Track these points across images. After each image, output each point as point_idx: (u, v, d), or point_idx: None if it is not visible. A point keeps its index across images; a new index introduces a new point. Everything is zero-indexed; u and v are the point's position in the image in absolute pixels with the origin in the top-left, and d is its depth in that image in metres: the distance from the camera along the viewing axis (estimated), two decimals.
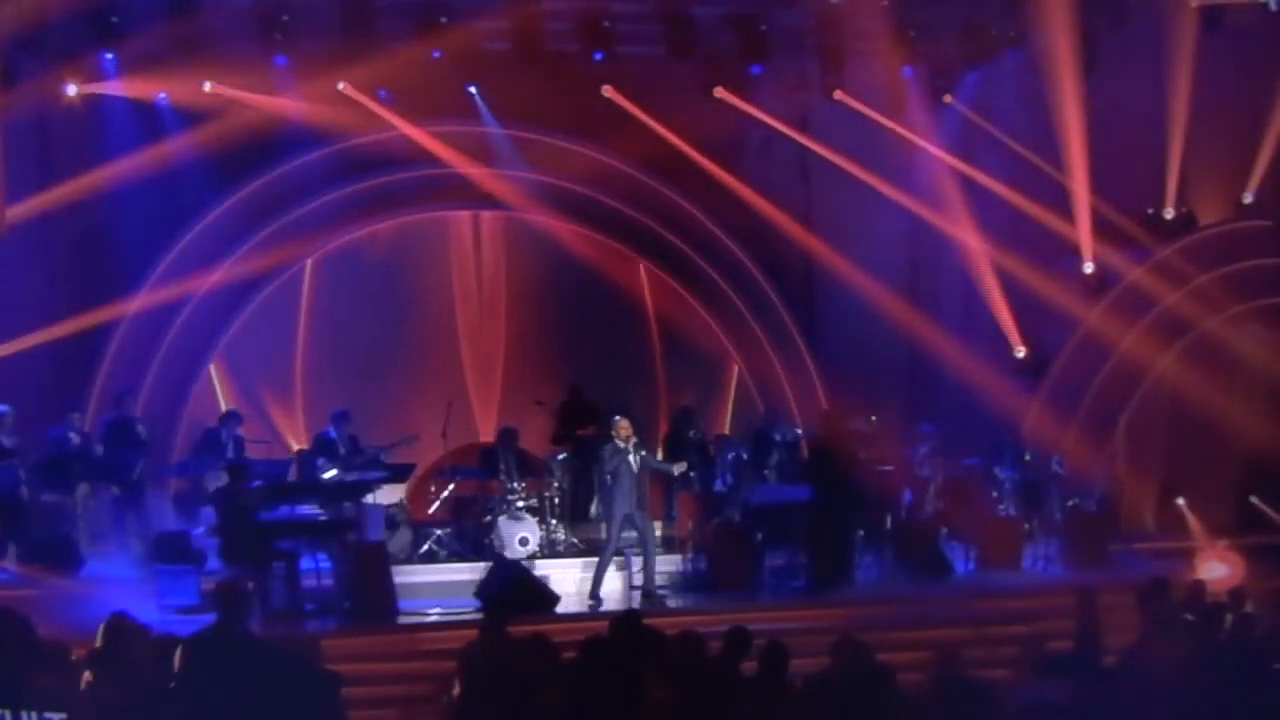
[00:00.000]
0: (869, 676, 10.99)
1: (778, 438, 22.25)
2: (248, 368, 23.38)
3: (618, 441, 18.74)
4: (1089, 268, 24.03)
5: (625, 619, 12.32)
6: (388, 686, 15.71)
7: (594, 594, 18.76)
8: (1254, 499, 23.06)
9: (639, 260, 24.65)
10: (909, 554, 20.24)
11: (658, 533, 20.60)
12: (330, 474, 19.95)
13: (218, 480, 19.45)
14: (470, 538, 20.62)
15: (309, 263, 23.49)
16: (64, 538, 19.02)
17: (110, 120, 22.37)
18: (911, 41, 23.89)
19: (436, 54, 22.39)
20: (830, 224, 25.13)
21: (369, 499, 19.83)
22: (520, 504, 20.44)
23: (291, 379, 23.66)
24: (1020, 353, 24.20)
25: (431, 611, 18.03)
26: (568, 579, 19.60)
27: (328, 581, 18.39)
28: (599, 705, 10.48)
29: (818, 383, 24.56)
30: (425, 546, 20.52)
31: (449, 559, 20.39)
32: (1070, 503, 21.60)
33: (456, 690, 12.41)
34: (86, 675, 10.24)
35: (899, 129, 24.61)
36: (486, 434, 23.46)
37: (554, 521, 20.94)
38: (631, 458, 18.71)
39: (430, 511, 21.22)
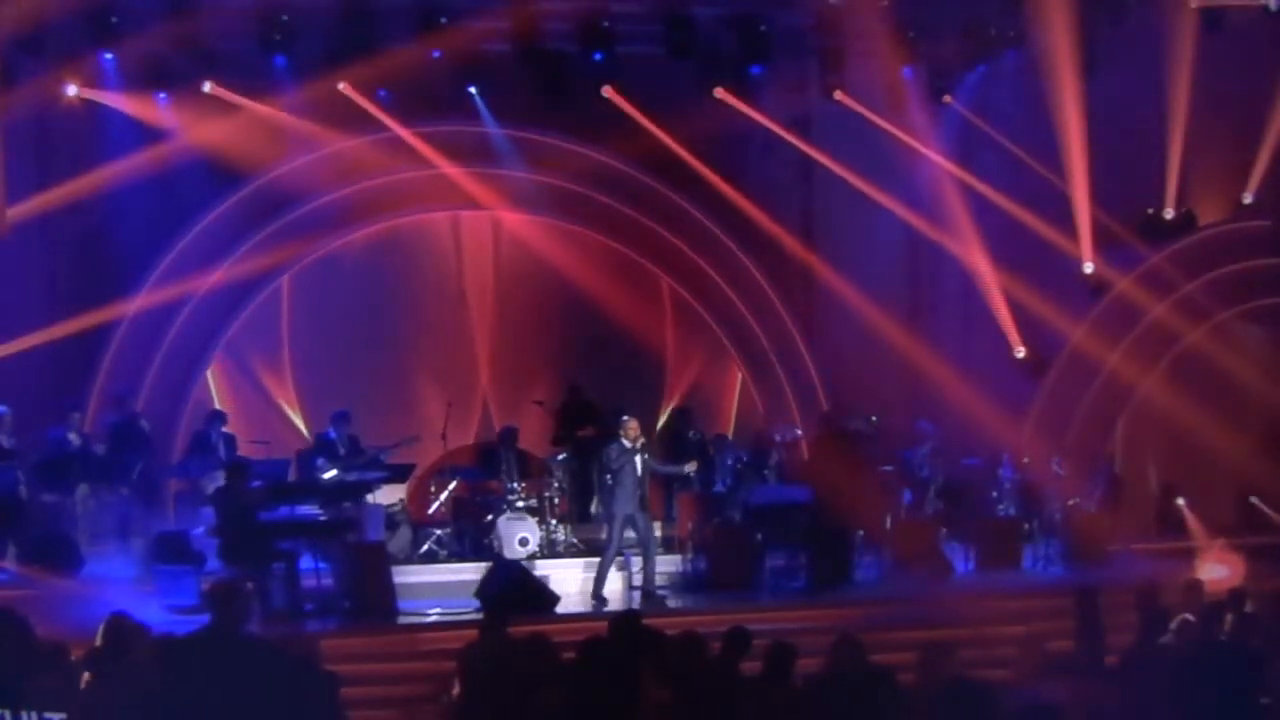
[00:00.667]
0: (867, 676, 10.98)
1: (778, 438, 22.26)
2: (248, 368, 23.36)
3: (624, 441, 18.74)
4: (1089, 267, 24.02)
5: (625, 619, 12.32)
6: (387, 687, 15.71)
7: (597, 594, 18.76)
8: (1254, 499, 23.08)
9: (639, 261, 24.59)
10: (908, 554, 20.22)
11: (658, 533, 20.61)
12: (330, 474, 19.95)
13: (216, 481, 19.46)
14: (470, 538, 20.63)
15: (306, 262, 23.45)
16: (64, 538, 19.00)
17: (110, 121, 22.32)
18: (911, 42, 23.88)
19: (436, 54, 22.38)
20: (830, 223, 25.13)
21: (369, 499, 19.85)
22: (520, 504, 20.45)
23: (292, 378, 23.62)
24: (1020, 353, 24.17)
25: (431, 612, 18.03)
26: (568, 579, 19.60)
27: (327, 581, 18.39)
28: (599, 705, 10.47)
29: (817, 383, 24.54)
30: (425, 547, 20.52)
31: (449, 559, 20.40)
32: (1070, 503, 21.59)
33: (456, 690, 12.41)
34: (86, 675, 10.23)
35: (899, 129, 24.59)
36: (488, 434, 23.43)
37: (554, 522, 20.94)
38: (638, 459, 18.72)
39: (430, 512, 21.23)
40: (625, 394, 22.87)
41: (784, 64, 24.40)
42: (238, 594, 10.75)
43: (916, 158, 24.64)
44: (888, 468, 21.37)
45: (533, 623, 14.71)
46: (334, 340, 23.66)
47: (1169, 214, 24.69)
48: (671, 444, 22.47)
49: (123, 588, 17.78)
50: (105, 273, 22.41)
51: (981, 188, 24.25)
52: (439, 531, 20.71)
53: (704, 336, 25.11)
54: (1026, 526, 21.29)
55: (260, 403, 22.57)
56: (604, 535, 19.49)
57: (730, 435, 23.91)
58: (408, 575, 19.31)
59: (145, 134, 22.36)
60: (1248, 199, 24.82)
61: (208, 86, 22.24)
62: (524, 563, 19.40)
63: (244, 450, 20.75)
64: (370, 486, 19.92)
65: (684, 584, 19.99)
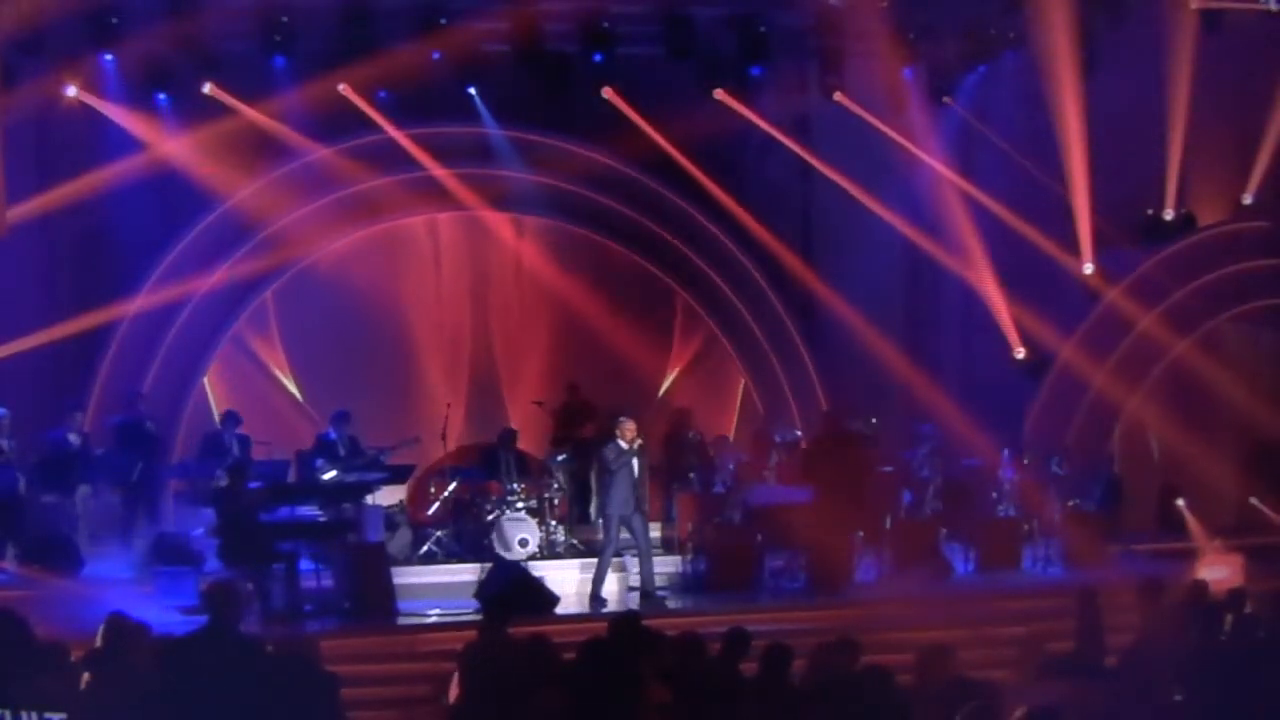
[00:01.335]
0: (867, 677, 10.97)
1: (777, 439, 22.26)
2: (247, 368, 23.36)
3: (621, 443, 18.74)
4: (1089, 268, 24.01)
5: (625, 620, 12.32)
6: (387, 687, 15.70)
7: (596, 595, 18.76)
8: (1253, 500, 23.08)
9: (638, 262, 24.59)
10: (908, 555, 20.21)
11: (657, 534, 20.63)
12: (330, 475, 19.94)
13: (215, 482, 19.47)
14: (470, 539, 20.61)
15: (305, 263, 23.45)
16: (64, 538, 19.00)
17: (110, 121, 22.31)
18: (911, 42, 23.89)
19: (436, 55, 22.38)
20: (830, 222, 25.11)
21: (368, 500, 19.85)
22: (520, 505, 20.44)
23: (293, 378, 23.62)
24: (1020, 353, 24.16)
25: (431, 612, 18.02)
26: (567, 580, 19.60)
27: (327, 582, 18.38)
28: (598, 706, 10.46)
29: (817, 383, 24.53)
30: (425, 547, 20.52)
31: (448, 560, 20.40)
32: (1070, 503, 21.59)
33: (456, 691, 12.39)
34: (85, 676, 10.23)
35: (899, 130, 24.58)
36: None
37: (553, 523, 20.93)
38: (634, 460, 18.72)
39: (430, 512, 21.21)
40: (624, 395, 22.86)
41: (783, 65, 24.44)
42: (235, 594, 10.77)
43: (916, 158, 24.61)
44: (887, 468, 21.36)
45: (532, 624, 14.71)
46: (335, 339, 23.64)
47: (1169, 215, 24.70)
48: (671, 444, 22.43)
49: (122, 588, 17.79)
50: (105, 273, 22.41)
51: (983, 198, 24.19)
52: (438, 532, 20.71)
53: (704, 337, 25.09)
54: (1026, 527, 21.27)
55: (259, 403, 22.52)
56: (600, 537, 19.48)
57: (731, 436, 23.91)
58: (407, 576, 19.32)
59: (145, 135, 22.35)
60: (1247, 200, 24.83)
61: (208, 88, 22.24)
62: (523, 564, 19.39)
63: (253, 450, 20.74)
64: (370, 487, 19.92)
65: (683, 585, 19.98)
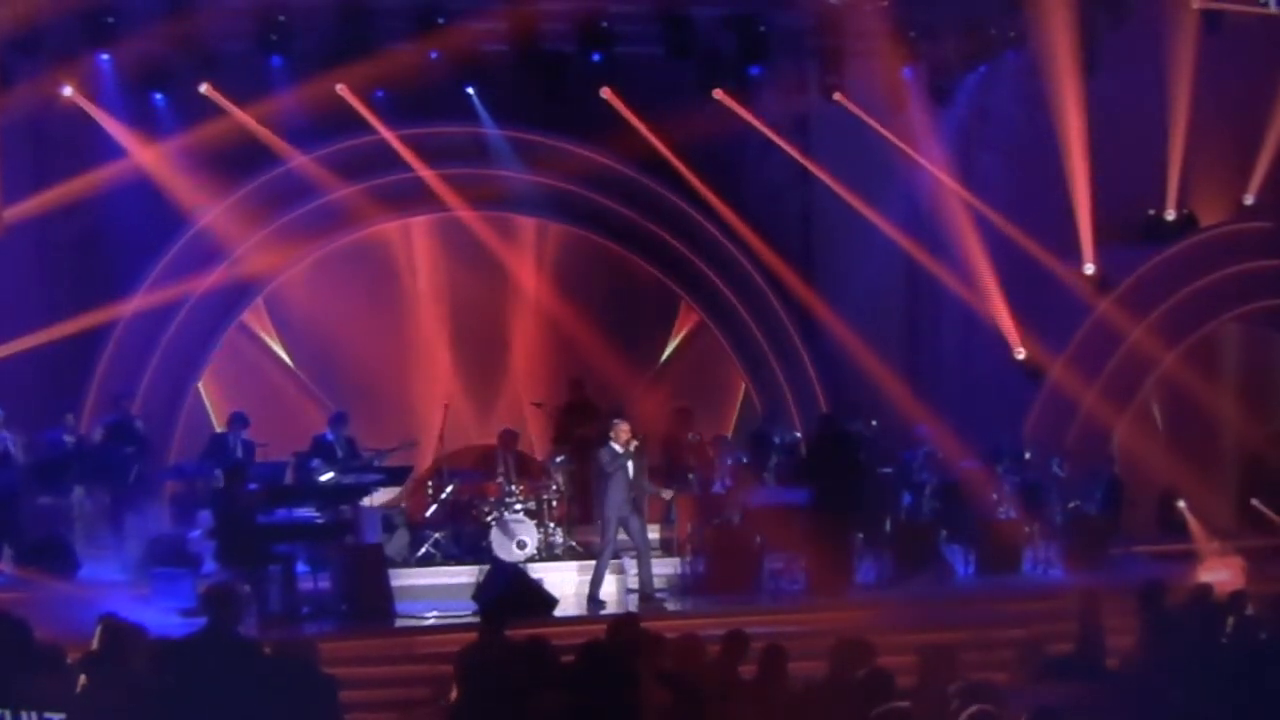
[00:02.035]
0: (868, 680, 10.98)
1: (777, 440, 22.25)
2: (244, 368, 23.36)
3: (615, 446, 18.75)
4: (1090, 269, 24.02)
5: (623, 622, 12.33)
6: (385, 690, 15.70)
7: (593, 597, 18.77)
8: (1255, 502, 23.09)
9: (637, 262, 24.60)
10: (908, 557, 20.22)
11: (655, 535, 20.62)
12: (327, 476, 19.95)
13: (213, 483, 19.47)
14: (468, 541, 20.62)
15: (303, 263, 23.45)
16: (59, 540, 19.02)
17: (107, 121, 22.31)
18: (911, 42, 23.89)
19: (434, 55, 22.38)
20: (830, 223, 25.11)
21: (366, 501, 19.85)
22: (518, 507, 20.44)
23: (288, 379, 23.61)
24: (1020, 354, 24.16)
25: (429, 615, 18.04)
26: (566, 582, 19.61)
27: (324, 584, 18.39)
28: (597, 709, 10.47)
29: (816, 384, 24.53)
30: (423, 549, 20.52)
31: (446, 562, 20.40)
32: (1071, 505, 21.60)
33: (454, 694, 12.38)
34: (82, 678, 10.23)
35: (898, 130, 24.58)
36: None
37: (552, 524, 20.93)
38: (630, 463, 18.73)
39: (428, 514, 21.19)
40: (623, 395, 22.88)
41: (783, 65, 24.42)
42: (234, 597, 10.78)
43: (916, 158, 24.61)
44: (887, 470, 21.36)
45: (531, 626, 14.71)
46: (332, 340, 23.65)
47: (1170, 215, 24.71)
48: (670, 446, 22.43)
49: (119, 590, 17.80)
50: (102, 274, 22.40)
51: (983, 200, 24.18)
52: (436, 534, 20.71)
53: (704, 337, 25.09)
54: (1027, 529, 21.28)
55: (256, 404, 22.51)
56: (599, 539, 19.50)
57: (730, 435, 23.90)
58: (405, 578, 19.35)
59: (141, 136, 22.33)
60: (1249, 200, 24.85)
61: (204, 88, 22.24)
62: (521, 566, 19.39)
63: (257, 455, 20.76)
64: (367, 489, 19.93)
65: (683, 587, 19.98)
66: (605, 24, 22.91)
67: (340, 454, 20.55)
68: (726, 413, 25.23)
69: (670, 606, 18.86)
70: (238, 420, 20.98)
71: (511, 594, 17.86)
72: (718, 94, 24.04)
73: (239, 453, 20.47)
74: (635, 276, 24.80)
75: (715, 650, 12.20)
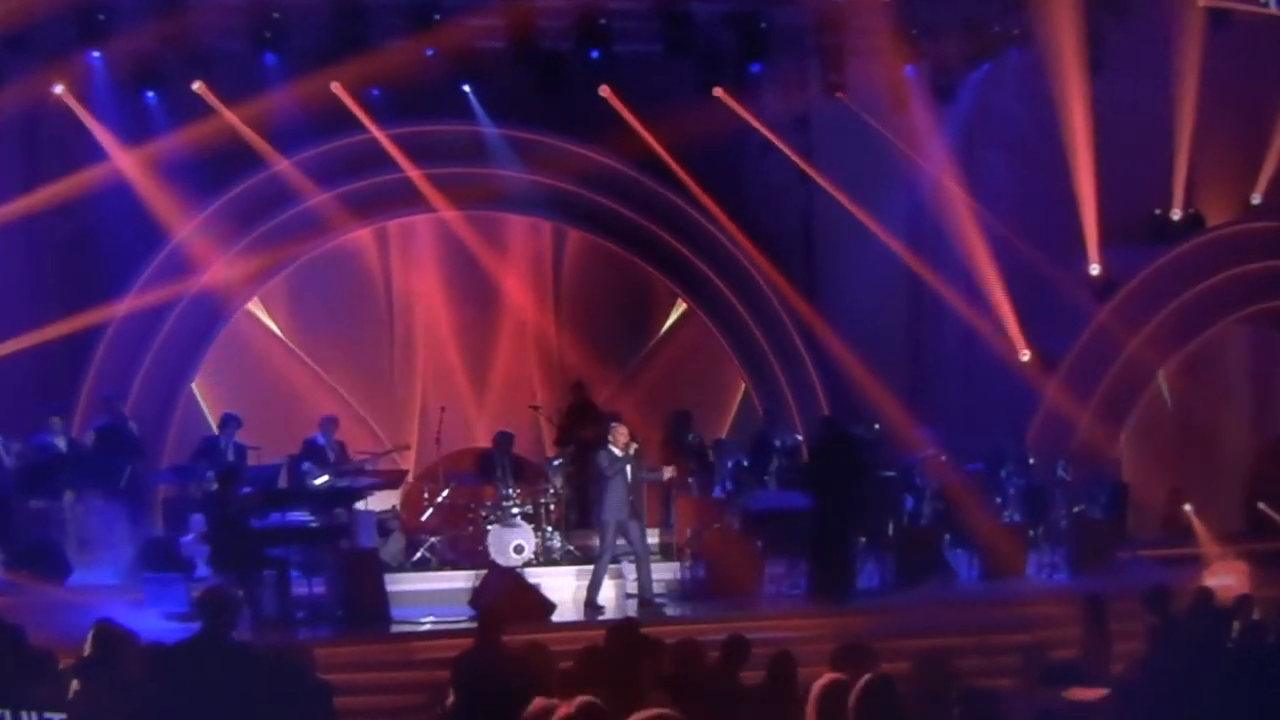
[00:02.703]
0: (876, 685, 10.99)
1: (778, 443, 22.25)
2: (238, 369, 23.36)
3: (614, 449, 18.77)
4: (1095, 269, 24.04)
5: (623, 628, 12.34)
6: (380, 696, 15.74)
7: (591, 602, 18.79)
8: (1261, 505, 23.12)
9: (636, 262, 24.60)
10: (911, 561, 20.24)
11: (655, 539, 20.64)
12: (321, 480, 19.96)
13: (206, 486, 19.48)
14: (464, 545, 20.63)
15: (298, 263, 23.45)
16: (50, 544, 19.03)
17: (98, 120, 22.30)
18: (914, 40, 23.89)
19: (430, 52, 22.39)
20: (831, 222, 25.11)
21: (361, 505, 19.86)
22: (515, 510, 20.45)
23: (281, 381, 23.59)
24: (1025, 356, 24.17)
25: (425, 620, 18.07)
26: (563, 587, 19.63)
27: (319, 589, 18.40)
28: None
29: (818, 387, 24.52)
30: (418, 554, 20.55)
31: (442, 566, 20.43)
32: (1076, 509, 21.61)
33: (450, 700, 12.41)
34: (74, 684, 10.25)
35: (901, 128, 24.59)
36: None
37: (550, 528, 20.94)
38: (629, 466, 18.75)
39: (423, 518, 21.20)
40: (623, 398, 22.90)
41: (784, 62, 24.42)
42: (229, 602, 10.78)
43: (918, 157, 24.62)
44: (889, 473, 21.37)
45: (528, 631, 14.73)
46: (326, 341, 23.69)
47: (1176, 215, 24.73)
48: (669, 448, 22.44)
49: (111, 595, 17.80)
50: (93, 275, 22.38)
51: (985, 207, 24.19)
52: (432, 538, 20.73)
53: (703, 338, 25.08)
54: (1031, 533, 21.29)
55: (251, 405, 22.53)
56: (597, 543, 19.51)
57: (724, 436, 23.88)
58: (401, 583, 19.37)
59: (133, 134, 22.32)
60: (1256, 200, 24.89)
61: (197, 86, 22.25)
62: (519, 570, 19.40)
63: (249, 458, 20.77)
64: (362, 493, 19.94)
65: (682, 591, 20.00)
66: (604, 21, 22.93)
67: (332, 457, 20.58)
68: (724, 413, 25.18)
69: (670, 611, 18.91)
70: (230, 422, 20.98)
71: (508, 599, 17.89)
72: (717, 92, 24.03)
73: (230, 455, 20.48)
74: (634, 277, 24.79)
75: (715, 656, 12.21)
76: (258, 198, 22.62)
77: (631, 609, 18.71)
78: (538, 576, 19.47)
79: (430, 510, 21.20)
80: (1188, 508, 22.76)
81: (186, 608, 17.11)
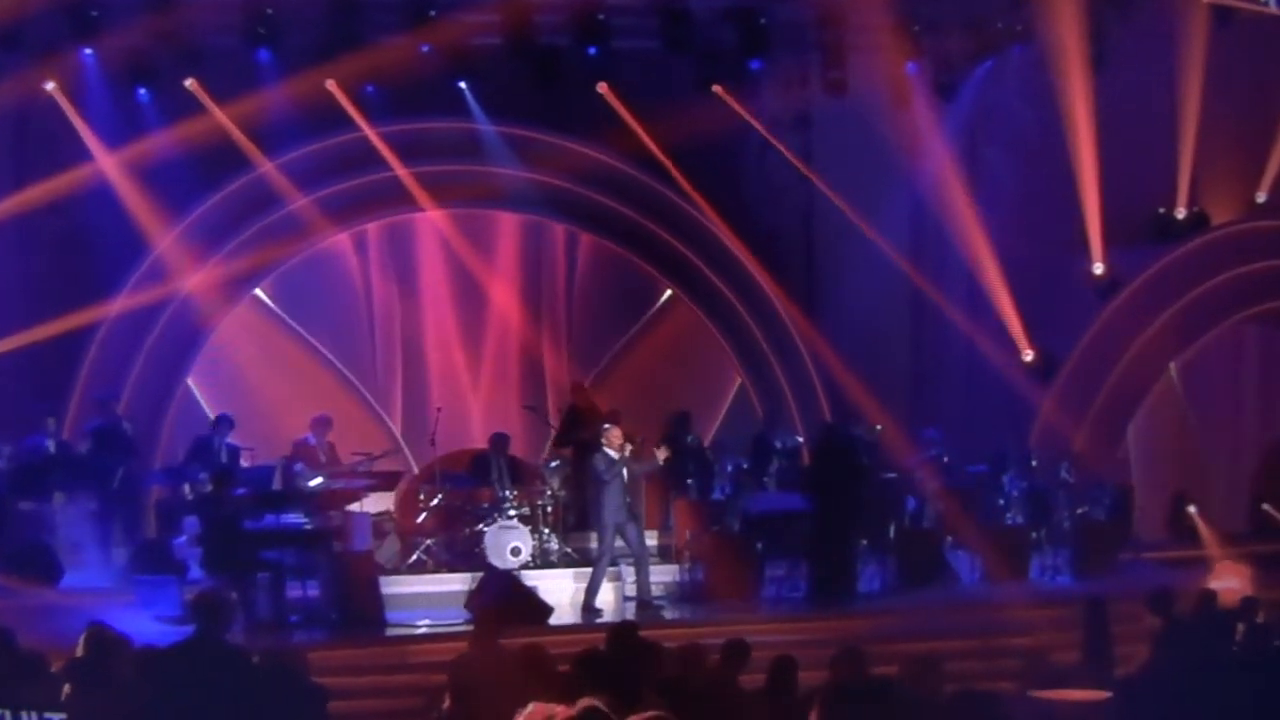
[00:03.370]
0: (869, 688, 11.04)
1: (778, 444, 22.27)
2: (231, 370, 23.38)
3: (609, 451, 18.79)
4: (1099, 268, 24.06)
5: (623, 630, 12.37)
6: (376, 700, 15.76)
7: (589, 605, 18.80)
8: (1266, 506, 23.14)
9: (635, 261, 24.63)
10: (913, 564, 20.26)
11: (653, 542, 20.64)
12: (316, 481, 19.98)
13: (200, 488, 19.50)
14: (460, 547, 20.61)
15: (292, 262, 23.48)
16: (42, 546, 19.05)
17: (90, 117, 22.32)
18: (915, 36, 23.92)
19: (425, 48, 22.41)
20: (832, 221, 25.14)
21: (356, 507, 19.87)
22: (512, 512, 20.45)
23: (274, 383, 23.59)
24: (1028, 356, 24.20)
25: (421, 623, 18.07)
26: (561, 590, 19.64)
27: (314, 592, 18.41)
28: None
29: (819, 389, 24.54)
30: (414, 556, 20.53)
31: (438, 569, 20.39)
32: (1079, 511, 21.63)
33: (447, 704, 12.45)
34: (66, 687, 10.28)
35: (902, 126, 24.60)
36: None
37: (547, 530, 20.94)
38: (626, 469, 18.78)
39: (419, 520, 21.19)
40: (619, 398, 22.92)
41: (784, 59, 24.43)
42: (223, 604, 10.83)
43: (920, 155, 24.64)
44: (891, 475, 21.39)
45: (525, 635, 14.75)
46: (321, 340, 23.73)
47: (1180, 214, 24.74)
48: (668, 449, 22.42)
49: (103, 598, 17.81)
50: (85, 274, 22.39)
51: (987, 206, 24.20)
52: (428, 541, 20.71)
53: (702, 339, 25.09)
54: (1034, 535, 21.31)
55: (245, 407, 22.55)
56: (595, 545, 19.53)
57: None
58: (396, 585, 19.34)
59: (125, 131, 22.34)
60: (1261, 198, 24.88)
61: (189, 83, 22.27)
62: (516, 573, 19.42)
63: (242, 459, 20.78)
64: (357, 494, 19.95)
65: (681, 594, 19.99)
66: (602, 17, 22.96)
67: (323, 458, 20.60)
68: (716, 408, 25.16)
69: (668, 614, 18.92)
70: (222, 422, 20.99)
71: (505, 602, 17.91)
72: (717, 89, 24.06)
73: (223, 456, 20.49)
74: (631, 276, 24.82)
75: (715, 659, 12.24)
76: (251, 196, 22.64)
77: (630, 612, 18.73)
78: (535, 579, 19.49)
79: (426, 512, 21.19)
80: (1192, 509, 22.78)
81: (180, 610, 17.14)
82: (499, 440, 21.77)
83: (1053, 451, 22.36)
